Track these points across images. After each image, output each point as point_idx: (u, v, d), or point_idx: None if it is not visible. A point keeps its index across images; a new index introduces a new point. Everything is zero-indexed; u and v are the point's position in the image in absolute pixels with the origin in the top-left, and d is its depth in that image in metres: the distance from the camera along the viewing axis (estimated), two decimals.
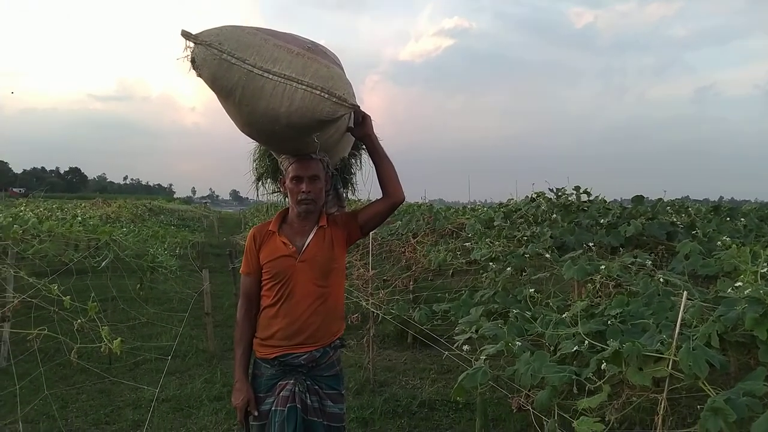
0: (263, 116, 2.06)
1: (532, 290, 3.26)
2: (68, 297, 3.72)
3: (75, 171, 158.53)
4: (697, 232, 4.03)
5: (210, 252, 16.71)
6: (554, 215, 4.58)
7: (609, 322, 2.58)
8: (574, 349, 2.40)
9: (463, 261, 4.37)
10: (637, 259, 3.41)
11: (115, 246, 6.19)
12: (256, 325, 2.50)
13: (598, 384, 2.12)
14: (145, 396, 4.98)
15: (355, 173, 2.97)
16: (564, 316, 2.79)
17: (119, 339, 3.52)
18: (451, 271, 4.64)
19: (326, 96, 2.00)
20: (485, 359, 2.53)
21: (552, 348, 2.99)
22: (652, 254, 3.76)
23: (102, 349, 3.38)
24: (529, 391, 2.42)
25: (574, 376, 2.25)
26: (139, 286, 7.40)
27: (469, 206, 7.42)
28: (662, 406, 2.03)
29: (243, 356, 2.47)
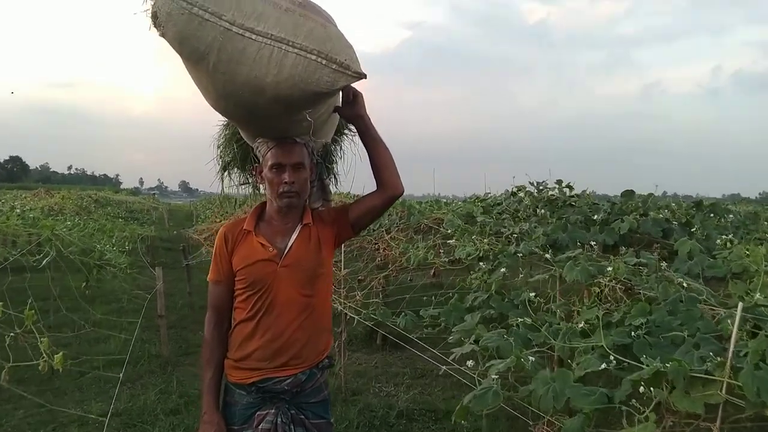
0: (244, 87, 1.66)
1: (533, 294, 2.94)
2: (0, 303, 3.20)
3: (15, 160, 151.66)
4: (695, 230, 3.79)
5: (160, 246, 15.95)
6: (540, 210, 4.29)
7: (633, 333, 2.28)
8: (602, 366, 2.08)
9: (446, 260, 4.03)
10: (641, 259, 3.14)
11: (57, 242, 5.60)
12: (228, 343, 2.10)
13: (645, 413, 1.79)
14: (92, 410, 4.48)
15: (336, 162, 2.59)
16: (579, 325, 2.47)
17: (61, 353, 3.04)
18: (432, 271, 4.30)
19: (324, 62, 1.60)
20: (496, 378, 2.18)
21: (564, 362, 2.69)
22: (650, 253, 3.50)
23: (41, 367, 2.90)
24: (551, 416, 2.09)
25: (607, 401, 1.93)
26: (84, 284, 6.81)
27: (443, 200, 7.09)
28: None
29: (212, 381, 2.06)
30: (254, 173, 2.25)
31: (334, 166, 2.52)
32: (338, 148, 2.53)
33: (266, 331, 2.00)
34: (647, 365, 1.93)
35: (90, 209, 16.02)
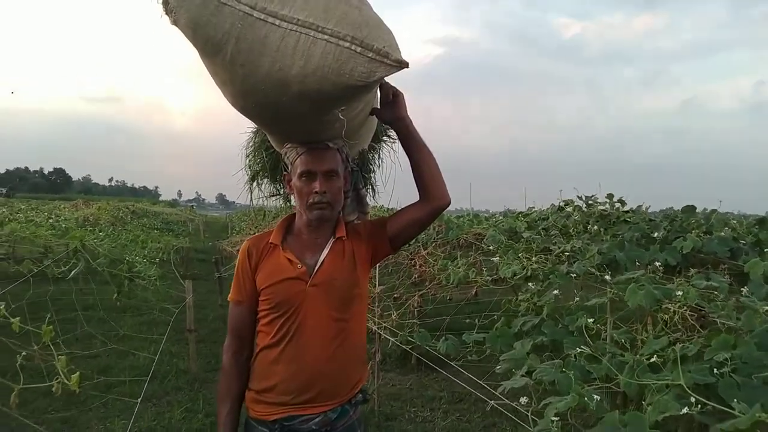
0: (266, 81, 1.42)
1: (591, 320, 2.63)
2: (18, 318, 3.03)
3: (59, 172, 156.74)
4: None
5: (195, 257, 15.92)
6: (592, 226, 3.96)
7: (716, 371, 1.96)
8: (684, 410, 1.77)
9: (488, 278, 3.73)
10: (711, 282, 2.80)
11: (86, 253, 5.48)
12: (250, 374, 1.86)
13: None
14: (115, 428, 4.30)
15: (374, 171, 2.35)
16: (651, 359, 2.16)
17: (78, 373, 2.85)
18: (474, 290, 4.01)
19: (359, 49, 1.36)
20: (556, 420, 1.89)
21: (628, 399, 2.38)
22: (720, 275, 3.15)
23: (54, 389, 2.70)
24: None
25: None
26: (116, 295, 6.70)
27: (482, 215, 6.79)
28: None
29: (229, 417, 1.81)
30: (283, 182, 2.03)
31: (372, 175, 2.28)
32: (376, 156, 2.29)
33: (292, 360, 1.76)
34: (741, 412, 1.63)
35: (126, 220, 16.15)
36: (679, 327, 2.47)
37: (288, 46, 1.37)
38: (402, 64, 1.37)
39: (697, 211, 4.31)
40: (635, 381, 2.09)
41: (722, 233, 3.76)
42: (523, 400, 2.09)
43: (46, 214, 9.69)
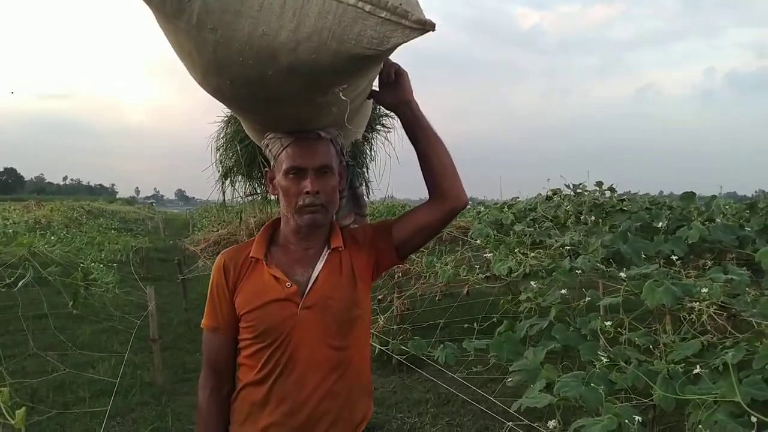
0: (245, 51, 1.08)
1: (608, 322, 2.37)
2: None
3: (10, 171, 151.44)
4: None
5: (156, 257, 15.28)
6: (590, 217, 3.72)
7: None
8: None
9: (481, 276, 3.45)
10: (730, 276, 2.57)
11: (36, 261, 5.02)
12: (231, 414, 1.52)
13: None
14: None
15: (367, 165, 2.03)
16: (682, 365, 1.91)
17: (23, 409, 2.47)
18: (465, 290, 3.73)
19: (368, 8, 1.03)
20: None
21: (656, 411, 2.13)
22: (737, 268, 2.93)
23: None
24: None
25: None
26: (72, 303, 6.21)
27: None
28: None
29: None
30: (264, 180, 1.69)
31: (365, 170, 1.96)
32: (368, 147, 1.97)
33: (283, 399, 1.43)
34: None
35: (81, 221, 15.36)
36: (708, 328, 2.23)
37: (274, 4, 1.04)
38: (426, 26, 1.05)
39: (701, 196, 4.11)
40: (677, 396, 1.83)
41: (718, 219, 3.57)
42: (552, 423, 1.81)
43: None
